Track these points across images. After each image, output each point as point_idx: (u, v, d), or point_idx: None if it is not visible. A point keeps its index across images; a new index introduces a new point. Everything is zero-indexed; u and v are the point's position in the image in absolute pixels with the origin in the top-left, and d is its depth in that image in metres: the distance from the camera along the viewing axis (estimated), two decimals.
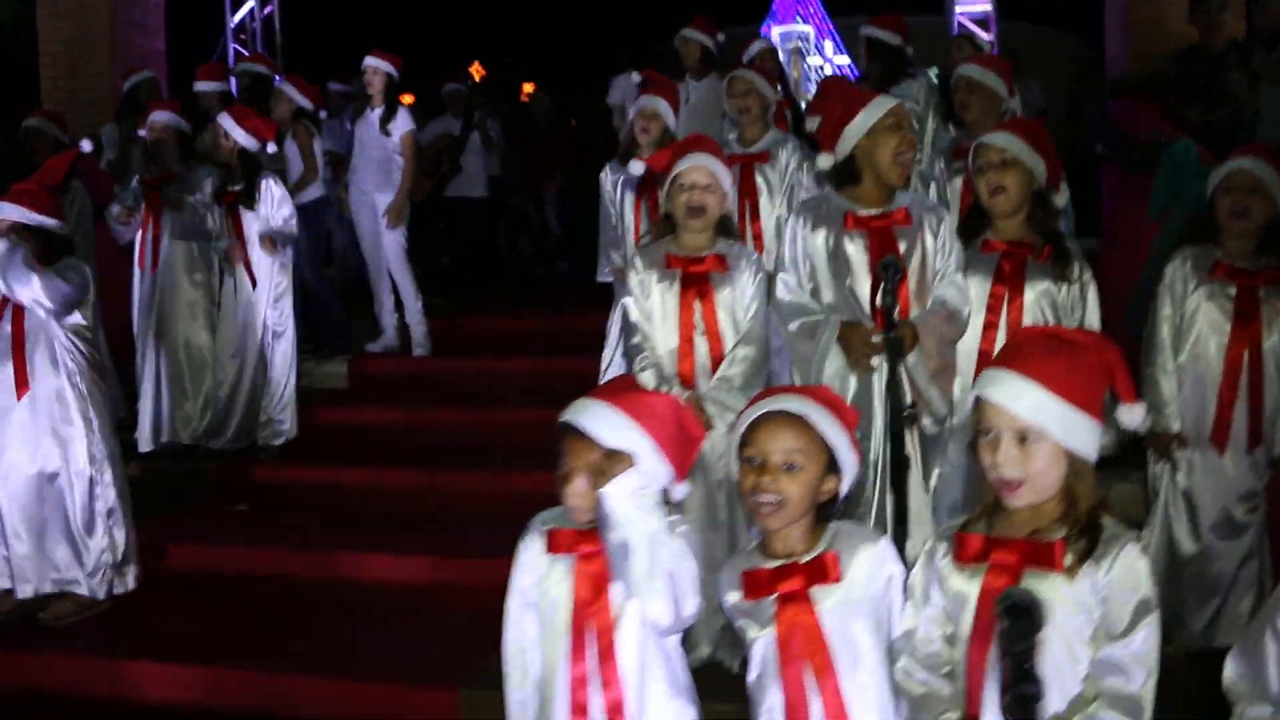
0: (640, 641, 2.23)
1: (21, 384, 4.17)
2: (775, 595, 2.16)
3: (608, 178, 5.05)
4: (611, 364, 4.83)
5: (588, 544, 2.23)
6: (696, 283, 3.57)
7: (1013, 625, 1.65)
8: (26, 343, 4.18)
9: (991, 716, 2.01)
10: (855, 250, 3.39)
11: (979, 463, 2.07)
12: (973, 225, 3.50)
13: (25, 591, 4.22)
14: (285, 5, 9.71)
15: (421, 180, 6.87)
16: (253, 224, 5.40)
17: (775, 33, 20.96)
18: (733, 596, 2.22)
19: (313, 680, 3.76)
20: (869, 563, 2.17)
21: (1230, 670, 1.91)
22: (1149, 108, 5.35)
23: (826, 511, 2.21)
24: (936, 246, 3.38)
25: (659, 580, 2.09)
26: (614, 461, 2.15)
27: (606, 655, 2.23)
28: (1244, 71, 4.91)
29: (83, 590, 4.22)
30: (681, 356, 3.57)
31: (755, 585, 2.18)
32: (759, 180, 4.70)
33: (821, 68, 20.73)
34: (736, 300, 3.57)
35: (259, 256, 5.42)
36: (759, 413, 2.20)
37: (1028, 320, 3.29)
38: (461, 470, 5.11)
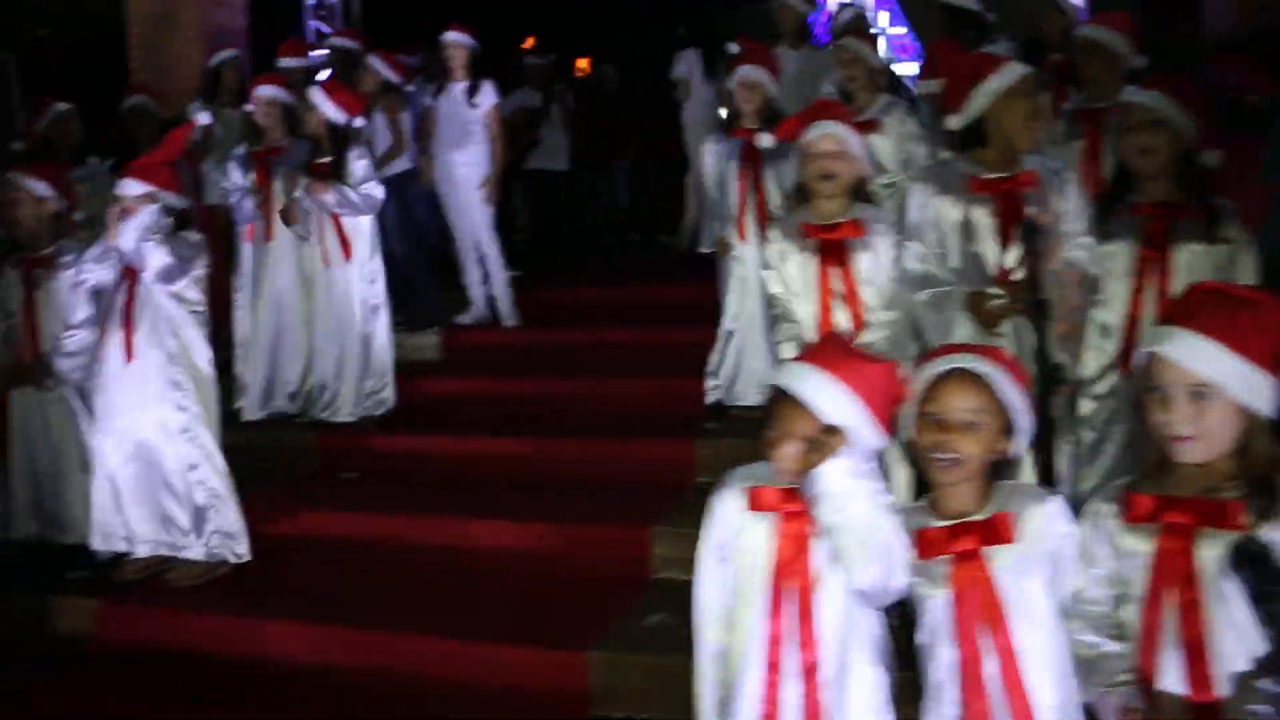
0: (844, 607, 2.26)
1: (129, 351, 4.29)
2: (949, 555, 2.20)
3: (710, 149, 5.08)
4: (732, 334, 4.95)
5: (791, 503, 2.26)
6: (834, 250, 3.61)
7: (1256, 574, 1.66)
8: (136, 311, 4.31)
9: (1171, 678, 2.05)
10: (981, 215, 3.40)
11: (1147, 421, 2.09)
12: (1118, 189, 3.43)
13: (141, 551, 4.38)
14: None
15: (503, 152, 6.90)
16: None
17: (832, 2, 20.85)
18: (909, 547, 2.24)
19: (439, 641, 3.85)
20: (1042, 521, 2.19)
21: None
22: (1258, 68, 5.27)
23: (998, 471, 2.25)
24: (1064, 209, 3.39)
25: (873, 554, 2.12)
26: (830, 435, 2.16)
27: (805, 615, 2.26)
28: None
29: (196, 554, 4.35)
30: (822, 325, 3.61)
31: (929, 545, 2.21)
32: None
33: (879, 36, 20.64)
34: (876, 266, 3.59)
35: (354, 229, 5.47)
36: (942, 370, 2.24)
37: (1178, 284, 3.14)
38: (565, 439, 5.18)
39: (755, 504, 2.32)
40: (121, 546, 4.40)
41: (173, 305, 4.34)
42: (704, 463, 4.74)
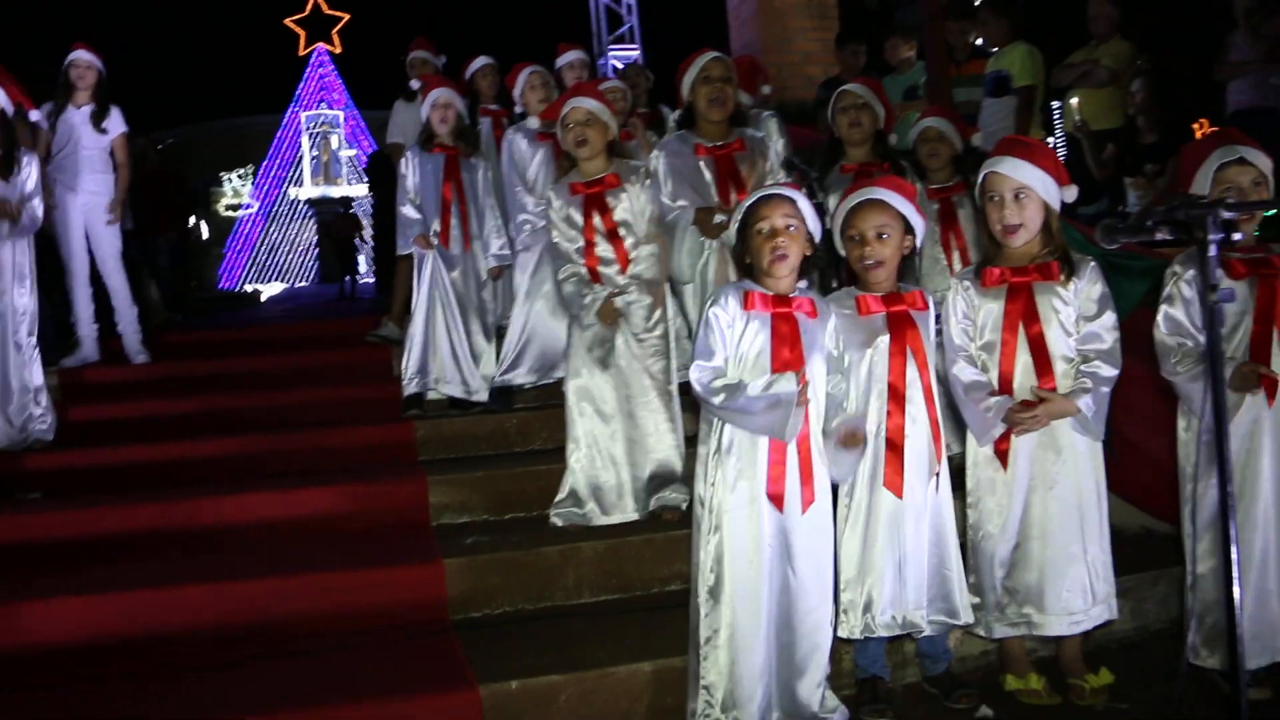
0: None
1: None
2: (885, 313, 3.15)
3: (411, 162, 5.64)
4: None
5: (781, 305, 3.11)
6: (595, 201, 4.33)
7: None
8: None
9: (1020, 381, 3.15)
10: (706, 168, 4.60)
11: (987, 220, 3.16)
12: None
13: None
14: None
15: None
16: None
17: (303, 117, 21.48)
18: (847, 314, 3.15)
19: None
20: (929, 296, 3.25)
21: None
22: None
23: (908, 262, 3.20)
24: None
25: None
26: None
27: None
28: None
29: None
30: (588, 261, 4.32)
31: (868, 306, 3.15)
32: None
33: (338, 150, 21.60)
34: (633, 208, 4.34)
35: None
36: (853, 202, 3.14)
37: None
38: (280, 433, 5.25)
39: (750, 304, 3.03)
40: None
41: None
42: (425, 441, 5.18)
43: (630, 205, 4.32)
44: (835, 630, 3.12)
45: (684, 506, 4.13)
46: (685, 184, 4.58)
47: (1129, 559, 3.79)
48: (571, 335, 4.37)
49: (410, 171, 5.62)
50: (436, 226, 5.54)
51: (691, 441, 3.93)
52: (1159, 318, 3.24)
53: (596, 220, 4.29)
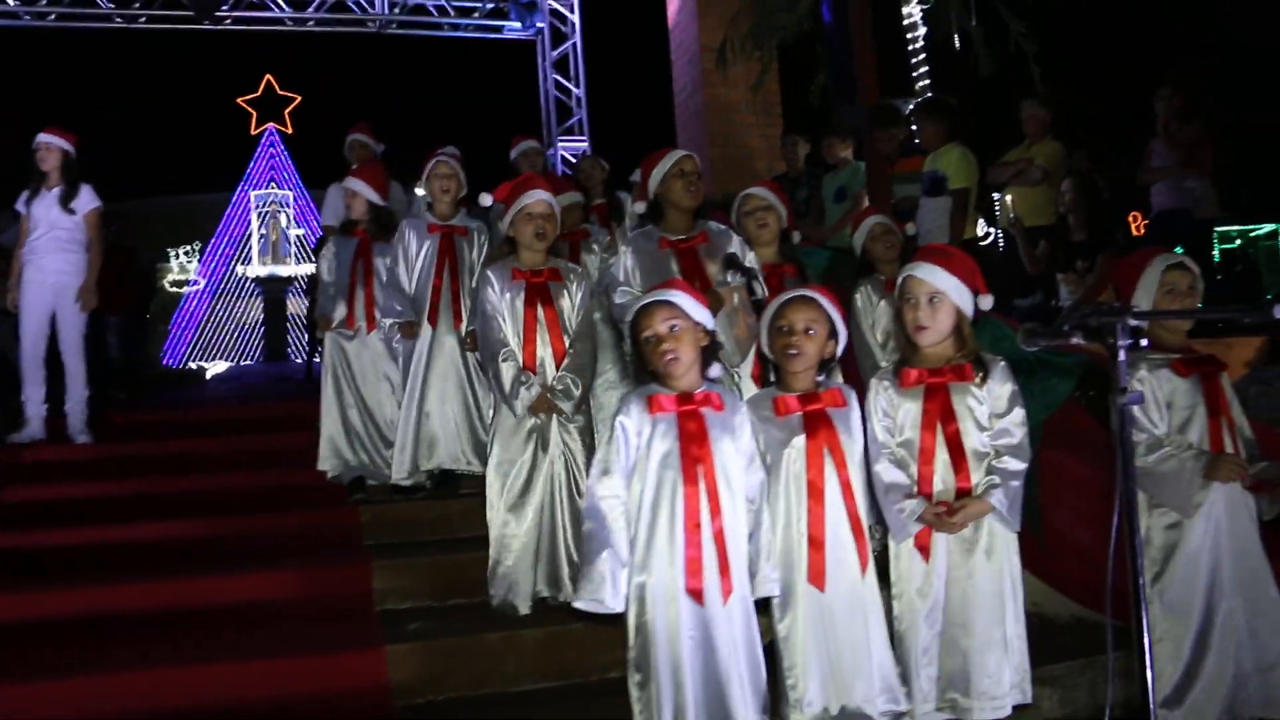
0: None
1: None
2: (802, 413, 3.27)
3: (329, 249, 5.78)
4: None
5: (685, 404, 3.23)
6: (538, 291, 4.44)
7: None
8: None
9: (939, 481, 3.26)
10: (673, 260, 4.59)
11: (901, 322, 3.34)
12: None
13: None
14: None
15: None
16: None
17: (253, 195, 21.54)
18: (766, 414, 3.28)
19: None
20: (851, 395, 3.36)
21: None
22: None
23: (826, 364, 3.32)
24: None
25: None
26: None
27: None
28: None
29: None
30: (525, 351, 4.39)
31: (786, 406, 3.28)
32: None
33: (287, 229, 21.67)
34: (571, 305, 4.47)
35: None
36: (786, 297, 3.27)
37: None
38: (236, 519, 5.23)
39: (656, 408, 3.14)
40: None
41: None
42: (370, 526, 5.19)
43: (568, 301, 4.46)
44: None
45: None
46: (652, 278, 4.63)
47: (1060, 647, 3.90)
48: (499, 419, 4.43)
49: (327, 256, 5.78)
50: (343, 310, 5.61)
51: None
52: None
53: (539, 310, 4.40)
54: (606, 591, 3.03)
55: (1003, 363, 3.33)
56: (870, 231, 5.11)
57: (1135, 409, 3.36)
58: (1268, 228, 20.37)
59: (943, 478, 3.27)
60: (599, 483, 3.12)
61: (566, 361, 4.38)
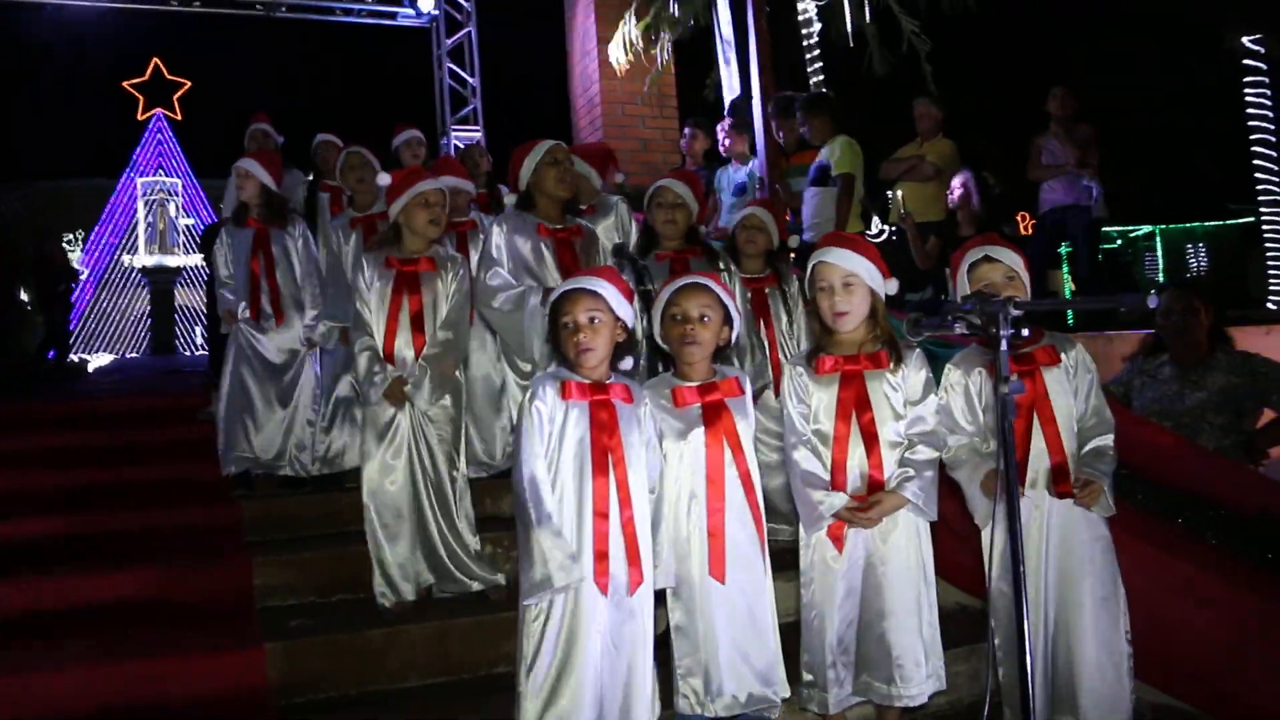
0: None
1: None
2: (700, 404, 3.24)
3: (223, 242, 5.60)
4: None
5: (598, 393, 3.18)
6: (408, 280, 4.36)
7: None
8: None
9: (854, 470, 3.25)
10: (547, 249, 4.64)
11: (817, 309, 3.30)
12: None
13: None
14: None
15: None
16: None
17: (139, 182, 20.82)
18: (664, 404, 3.24)
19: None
20: (746, 381, 3.35)
21: None
22: None
23: (722, 352, 3.30)
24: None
25: None
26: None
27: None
28: None
29: None
30: (387, 341, 4.32)
31: (684, 397, 3.24)
32: None
33: (176, 219, 21.03)
34: (444, 294, 4.39)
35: None
36: (679, 284, 3.24)
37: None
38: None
39: (568, 394, 3.08)
40: None
41: None
42: (254, 521, 5.04)
43: (440, 290, 4.39)
44: (676, 709, 3.20)
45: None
46: (522, 266, 4.61)
47: (944, 635, 3.95)
48: (364, 410, 4.38)
49: (221, 248, 5.59)
50: (245, 301, 5.46)
51: None
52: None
53: (405, 299, 4.33)
54: (555, 573, 2.91)
55: (917, 349, 3.35)
56: (744, 220, 5.02)
57: (942, 409, 3.40)
58: (1145, 229, 21.18)
59: (858, 466, 3.26)
60: (523, 468, 3.00)
61: (425, 350, 4.31)
